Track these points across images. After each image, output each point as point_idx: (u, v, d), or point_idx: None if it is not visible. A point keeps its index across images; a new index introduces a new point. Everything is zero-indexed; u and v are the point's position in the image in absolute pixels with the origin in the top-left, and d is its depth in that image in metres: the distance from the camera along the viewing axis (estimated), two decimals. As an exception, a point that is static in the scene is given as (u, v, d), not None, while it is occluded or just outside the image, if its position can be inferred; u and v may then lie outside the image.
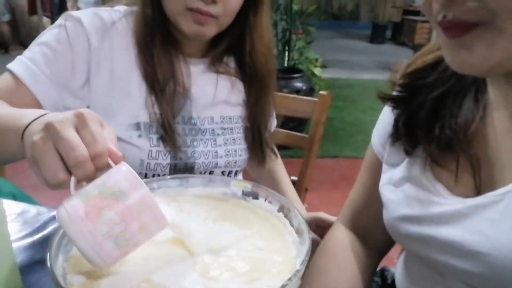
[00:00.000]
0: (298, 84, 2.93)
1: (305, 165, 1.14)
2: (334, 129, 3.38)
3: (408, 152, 0.54)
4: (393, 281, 0.69)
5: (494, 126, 0.48)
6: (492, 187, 0.46)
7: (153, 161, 0.75)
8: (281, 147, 1.02)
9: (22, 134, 0.47)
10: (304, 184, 1.14)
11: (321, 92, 1.13)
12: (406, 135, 0.54)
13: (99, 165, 0.40)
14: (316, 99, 1.13)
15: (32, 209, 0.73)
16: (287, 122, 1.12)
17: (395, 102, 0.57)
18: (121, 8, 0.79)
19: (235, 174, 0.88)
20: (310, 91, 2.98)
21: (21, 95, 0.69)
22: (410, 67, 0.56)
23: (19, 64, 0.70)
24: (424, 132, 0.52)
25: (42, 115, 0.47)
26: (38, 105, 0.70)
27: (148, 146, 0.75)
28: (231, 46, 0.84)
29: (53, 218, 0.69)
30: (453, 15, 0.39)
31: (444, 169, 0.51)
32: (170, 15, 0.73)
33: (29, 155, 0.41)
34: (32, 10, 4.38)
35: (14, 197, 1.11)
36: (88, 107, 0.74)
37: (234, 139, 0.85)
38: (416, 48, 6.05)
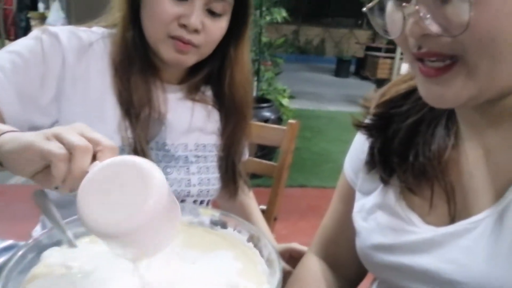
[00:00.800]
0: (267, 114, 2.97)
1: (274, 194, 1.13)
2: (301, 159, 3.42)
3: (384, 180, 0.55)
4: None
5: (467, 154, 0.49)
6: (466, 214, 0.47)
7: None
8: (250, 176, 1.01)
9: None
10: (273, 213, 1.13)
11: (290, 121, 1.14)
12: (382, 163, 0.55)
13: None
14: (284, 128, 1.14)
15: None
16: (257, 150, 1.12)
17: (370, 130, 0.57)
18: (99, 30, 0.77)
19: (207, 203, 0.86)
20: (278, 121, 3.02)
21: None
22: (384, 96, 0.58)
23: None
24: (399, 160, 0.52)
25: (11, 131, 0.46)
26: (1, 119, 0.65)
27: None
28: (209, 76, 0.84)
29: (4, 250, 0.63)
30: (428, 48, 0.40)
31: (418, 197, 0.51)
32: (151, 41, 0.72)
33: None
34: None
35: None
36: (55, 124, 0.71)
37: (207, 168, 0.83)
38: (378, 82, 6.34)
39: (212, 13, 0.71)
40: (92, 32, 0.76)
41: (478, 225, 0.44)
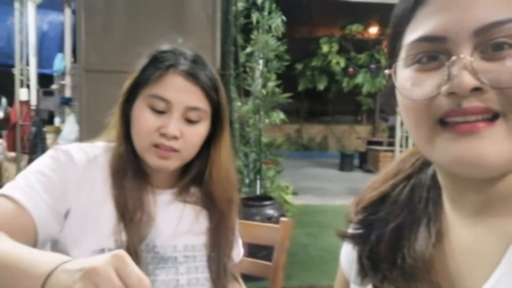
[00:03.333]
0: (270, 212, 2.98)
1: (270, 295, 1.11)
2: (310, 256, 3.31)
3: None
4: None
5: (451, 248, 0.50)
6: None
7: None
8: (246, 278, 1.01)
9: (44, 283, 0.46)
10: (270, 316, 1.09)
11: (282, 218, 1.16)
12: (372, 270, 0.55)
13: None
14: (277, 226, 1.16)
15: None
16: (260, 250, 1.11)
17: (354, 239, 0.58)
18: (101, 144, 0.87)
19: None
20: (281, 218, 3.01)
21: (22, 222, 0.69)
22: (359, 204, 0.59)
23: (19, 190, 0.71)
24: (388, 265, 0.52)
25: (64, 262, 0.47)
26: (33, 232, 0.70)
27: None
28: (196, 177, 0.90)
29: None
30: (472, 103, 0.39)
31: None
32: (139, 151, 0.81)
33: None
34: (12, 147, 4.54)
35: None
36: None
37: (196, 267, 0.85)
38: (382, 174, 6.38)
39: (189, 121, 0.80)
40: (96, 147, 0.85)
41: None
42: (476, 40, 0.40)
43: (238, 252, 0.97)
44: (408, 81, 0.44)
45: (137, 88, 0.80)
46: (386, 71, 0.48)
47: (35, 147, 4.19)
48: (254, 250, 1.16)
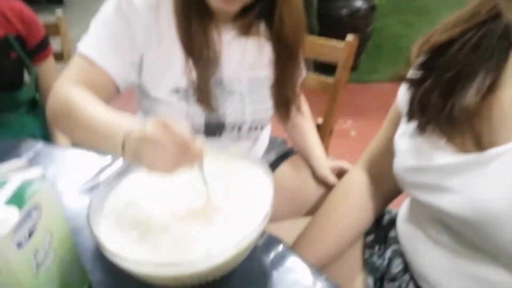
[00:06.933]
0: (358, 3, 2.77)
1: (330, 109, 1.21)
2: (399, 49, 3.17)
3: (421, 130, 0.60)
4: (389, 223, 0.81)
5: (501, 100, 0.52)
6: (495, 144, 0.52)
7: (190, 120, 0.88)
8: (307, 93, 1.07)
9: (123, 146, 0.58)
10: (328, 127, 1.22)
11: (348, 38, 1.14)
12: (420, 112, 0.59)
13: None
14: (342, 45, 1.15)
15: (91, 156, 0.89)
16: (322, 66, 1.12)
17: (411, 82, 0.61)
18: None
19: (261, 128, 0.99)
20: (370, 10, 2.81)
21: (97, 76, 0.80)
22: (424, 46, 0.59)
23: (89, 46, 0.80)
24: (436, 111, 0.56)
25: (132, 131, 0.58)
26: (113, 86, 0.82)
27: (186, 108, 0.87)
28: (262, 11, 0.88)
29: (106, 167, 0.87)
30: None
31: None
32: None
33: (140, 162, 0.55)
34: None
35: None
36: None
37: (260, 99, 0.93)
38: None
39: None
40: None
41: (503, 154, 0.50)
42: None
43: (300, 75, 1.01)
44: None
45: None
46: None
47: None
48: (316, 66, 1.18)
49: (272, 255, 0.63)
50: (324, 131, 1.22)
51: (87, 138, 0.67)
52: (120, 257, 0.48)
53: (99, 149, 0.64)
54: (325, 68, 1.86)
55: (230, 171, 0.66)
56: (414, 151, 0.61)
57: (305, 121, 1.10)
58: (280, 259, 0.62)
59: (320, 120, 1.24)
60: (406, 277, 0.70)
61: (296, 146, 1.12)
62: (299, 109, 1.02)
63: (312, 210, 0.99)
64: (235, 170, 0.66)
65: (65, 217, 0.52)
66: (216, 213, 0.58)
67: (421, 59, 0.59)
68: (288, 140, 1.17)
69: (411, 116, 0.61)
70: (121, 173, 0.65)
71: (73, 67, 0.80)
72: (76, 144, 0.79)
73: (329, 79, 1.21)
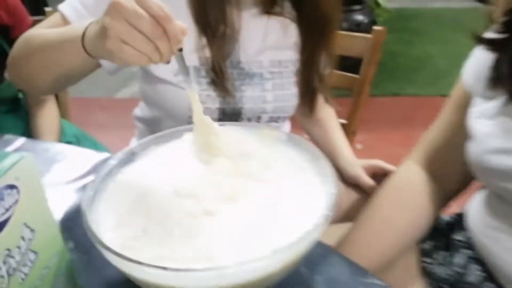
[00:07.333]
0: (359, 17, 2.73)
1: (354, 108, 1.09)
2: (397, 65, 3.14)
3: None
4: (447, 227, 0.71)
5: None
6: None
7: (202, 105, 0.76)
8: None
9: (82, 38, 0.53)
10: (351, 127, 1.10)
11: (375, 27, 1.04)
12: (509, 78, 0.52)
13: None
14: (369, 36, 1.05)
15: (86, 153, 0.77)
16: (344, 62, 1.04)
17: (494, 44, 0.53)
18: None
19: (283, 120, 0.87)
20: (371, 25, 2.77)
21: None
22: (508, 3, 0.51)
23: (69, 6, 0.72)
24: None
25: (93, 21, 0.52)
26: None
27: (198, 90, 0.74)
28: None
29: (101, 162, 0.73)
30: None
31: None
32: None
33: (104, 44, 0.45)
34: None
35: (77, 139, 1.21)
36: None
37: (283, 84, 0.82)
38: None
39: None
40: None
41: None
42: None
43: (330, 59, 0.88)
44: None
45: None
46: None
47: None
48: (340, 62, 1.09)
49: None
50: (346, 132, 1.10)
51: (45, 57, 0.63)
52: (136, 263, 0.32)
53: (58, 67, 0.61)
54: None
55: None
56: (500, 131, 0.52)
57: (330, 117, 0.98)
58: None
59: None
60: (489, 284, 0.61)
61: (319, 146, 0.99)
62: (326, 101, 0.90)
63: (345, 218, 0.85)
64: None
65: (51, 210, 0.37)
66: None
67: (506, 18, 0.51)
68: (309, 141, 1.04)
69: (496, 83, 0.53)
70: (119, 165, 0.51)
71: (47, 21, 0.73)
72: (32, 77, 0.70)
73: (354, 76, 1.10)
